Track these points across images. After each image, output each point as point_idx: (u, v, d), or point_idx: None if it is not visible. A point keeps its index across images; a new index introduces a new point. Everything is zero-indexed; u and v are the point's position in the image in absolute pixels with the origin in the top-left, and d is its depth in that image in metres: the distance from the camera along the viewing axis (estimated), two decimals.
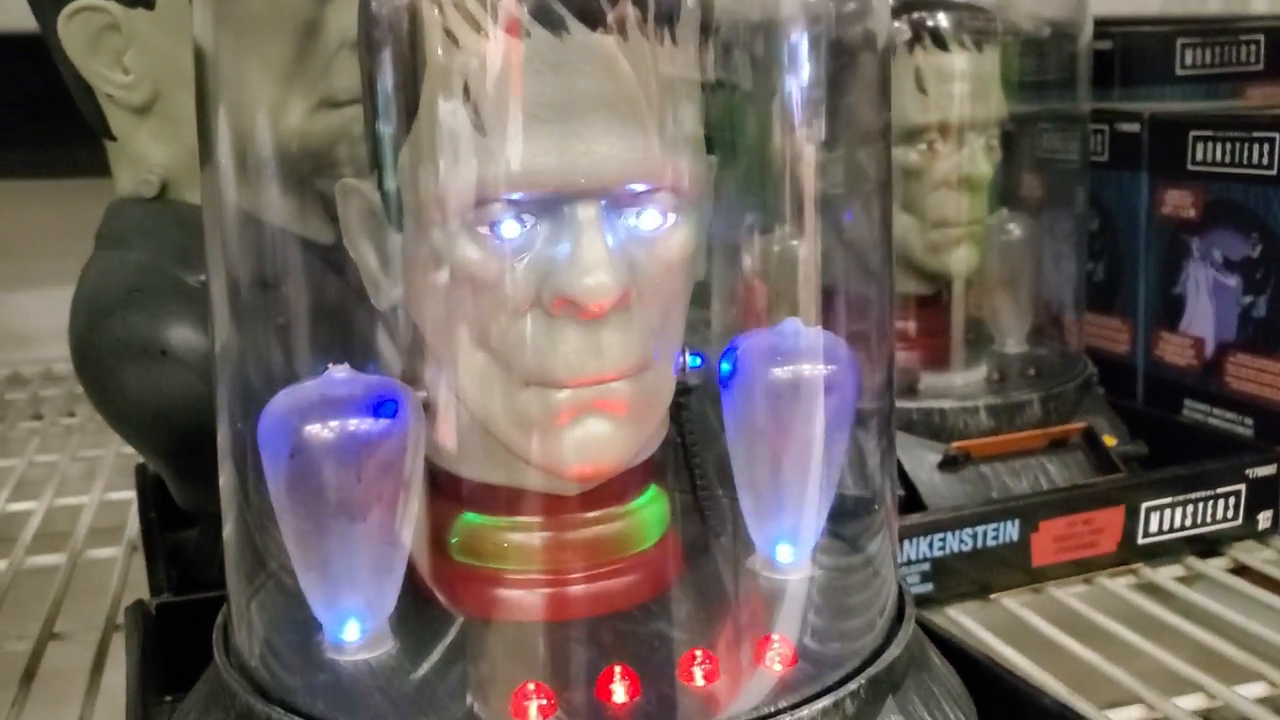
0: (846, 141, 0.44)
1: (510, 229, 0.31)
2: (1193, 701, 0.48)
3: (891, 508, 0.43)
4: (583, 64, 0.30)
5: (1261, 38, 0.85)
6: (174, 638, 0.44)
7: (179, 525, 0.56)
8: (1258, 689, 0.48)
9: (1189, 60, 0.83)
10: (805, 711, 0.31)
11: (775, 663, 0.34)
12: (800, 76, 0.38)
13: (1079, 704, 0.45)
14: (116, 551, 0.62)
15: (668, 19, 0.31)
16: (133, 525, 0.63)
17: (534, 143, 0.30)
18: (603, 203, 0.31)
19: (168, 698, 0.42)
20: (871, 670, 0.33)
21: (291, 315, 0.38)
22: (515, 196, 0.31)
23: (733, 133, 0.41)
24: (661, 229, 0.32)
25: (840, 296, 0.42)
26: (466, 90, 0.30)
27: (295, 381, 0.35)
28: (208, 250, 0.38)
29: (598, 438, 0.32)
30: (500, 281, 0.31)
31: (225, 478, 0.37)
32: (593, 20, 0.29)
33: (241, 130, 0.38)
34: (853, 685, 0.33)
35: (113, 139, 0.53)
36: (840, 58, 0.41)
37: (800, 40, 0.39)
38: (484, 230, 0.31)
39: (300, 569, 0.34)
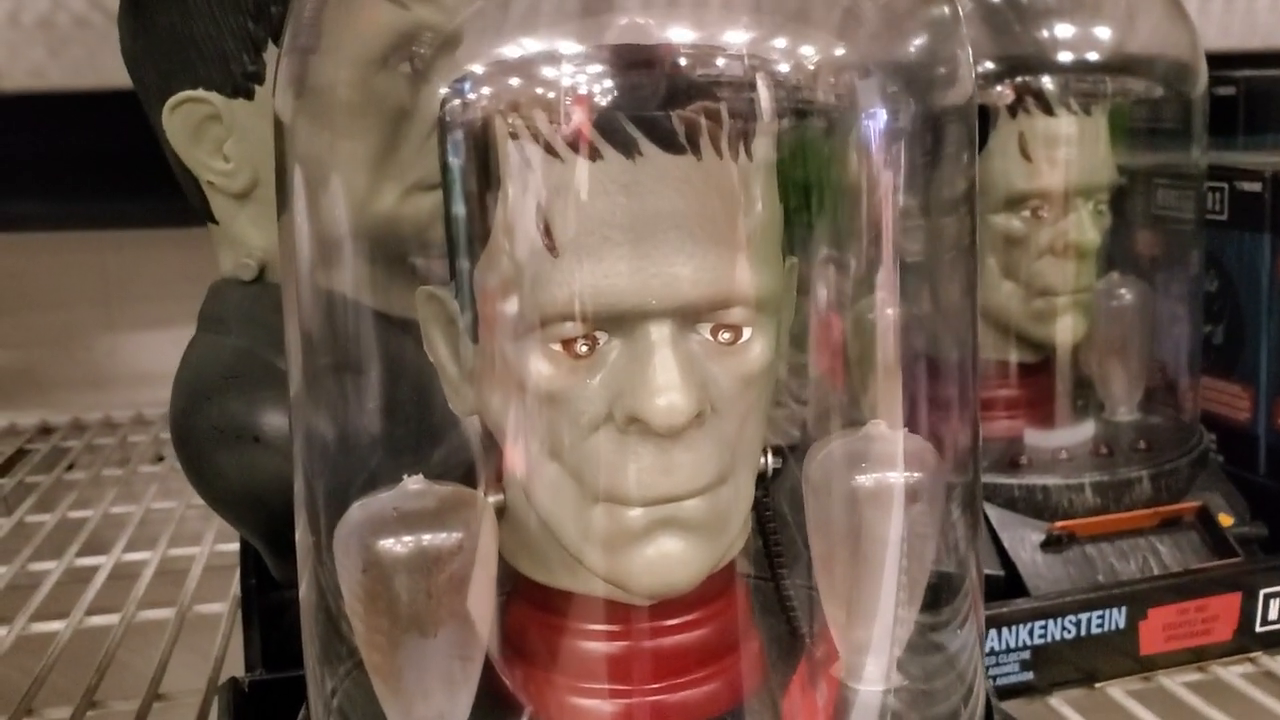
0: (929, 235, 0.42)
1: (582, 346, 0.31)
2: None
3: (978, 605, 0.41)
4: (655, 185, 0.29)
5: None
6: (265, 714, 0.44)
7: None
8: None
9: None
10: None
11: None
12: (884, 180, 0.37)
13: None
14: (223, 608, 0.62)
15: (743, 135, 0.31)
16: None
17: (606, 264, 0.30)
18: (676, 321, 0.31)
19: None
20: None
21: (370, 406, 0.38)
22: (587, 315, 0.31)
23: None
24: (737, 343, 0.32)
25: (922, 385, 0.40)
26: (539, 210, 0.30)
27: (371, 477, 0.34)
28: (289, 337, 0.38)
29: (669, 555, 0.32)
30: (572, 397, 0.31)
31: (305, 581, 0.37)
32: (666, 142, 0.29)
33: (331, 214, 0.38)
34: None
35: (215, 222, 0.53)
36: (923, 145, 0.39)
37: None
38: (556, 347, 0.30)
39: (374, 676, 0.33)
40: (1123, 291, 0.63)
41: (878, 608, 0.36)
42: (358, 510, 0.32)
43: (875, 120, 0.34)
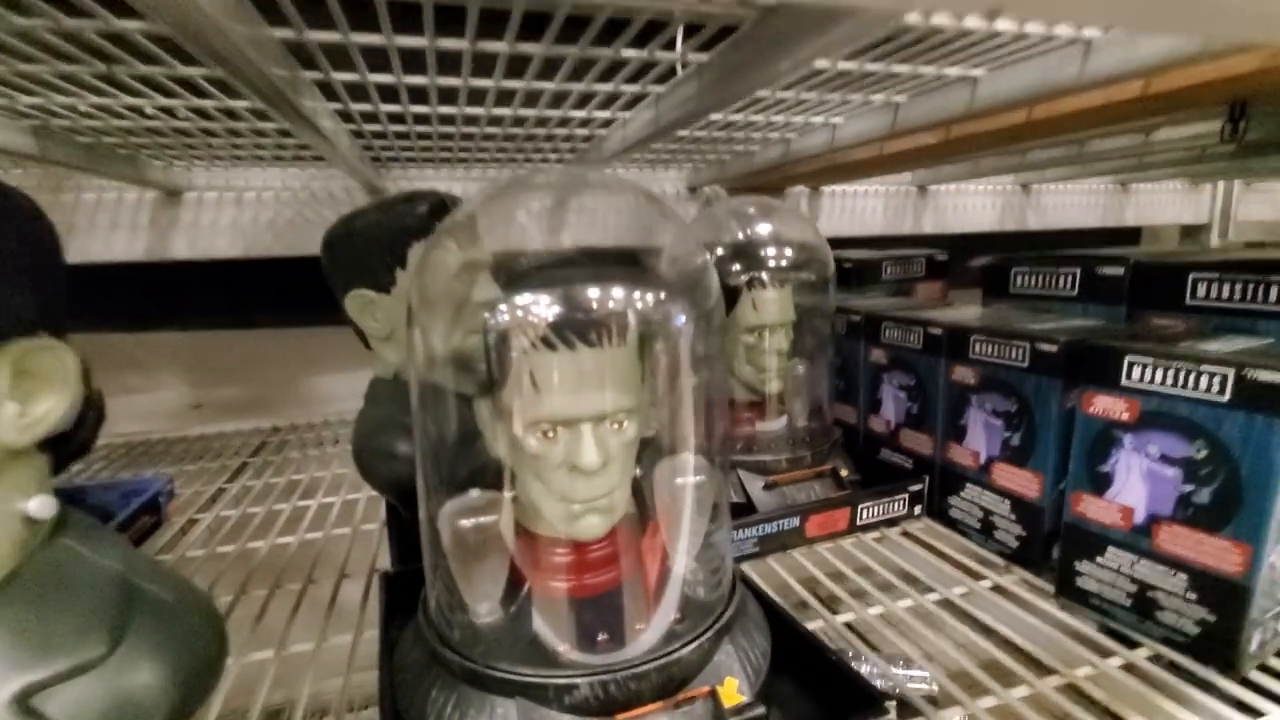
0: (705, 362, 0.37)
1: (550, 432, 0.30)
2: (882, 598, 0.46)
3: (727, 519, 0.38)
4: (582, 360, 0.29)
5: (924, 259, 0.81)
6: (402, 590, 0.41)
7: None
8: (905, 601, 0.46)
9: (889, 273, 0.79)
10: (684, 652, 0.31)
11: (673, 621, 0.33)
12: (680, 343, 0.34)
13: (811, 627, 0.42)
14: (375, 528, 0.60)
15: (622, 335, 0.30)
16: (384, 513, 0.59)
17: (559, 397, 0.30)
18: (593, 421, 0.30)
19: (399, 624, 0.39)
20: (716, 624, 0.33)
21: (455, 442, 0.35)
22: (552, 423, 0.30)
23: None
24: (622, 429, 0.31)
25: (702, 425, 0.36)
26: (529, 371, 0.30)
27: (452, 483, 0.33)
28: (414, 407, 0.35)
29: (592, 523, 0.31)
30: (546, 454, 0.30)
31: (423, 529, 0.34)
32: (586, 341, 0.29)
33: (430, 347, 0.35)
34: (709, 633, 0.32)
35: (369, 348, 0.51)
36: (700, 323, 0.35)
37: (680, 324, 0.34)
38: (537, 434, 0.30)
39: (456, 576, 0.33)
40: (799, 367, 0.63)
41: (684, 532, 0.35)
42: (450, 504, 0.32)
43: (678, 321, 0.33)
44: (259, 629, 0.44)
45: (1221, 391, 0.36)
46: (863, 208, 1.09)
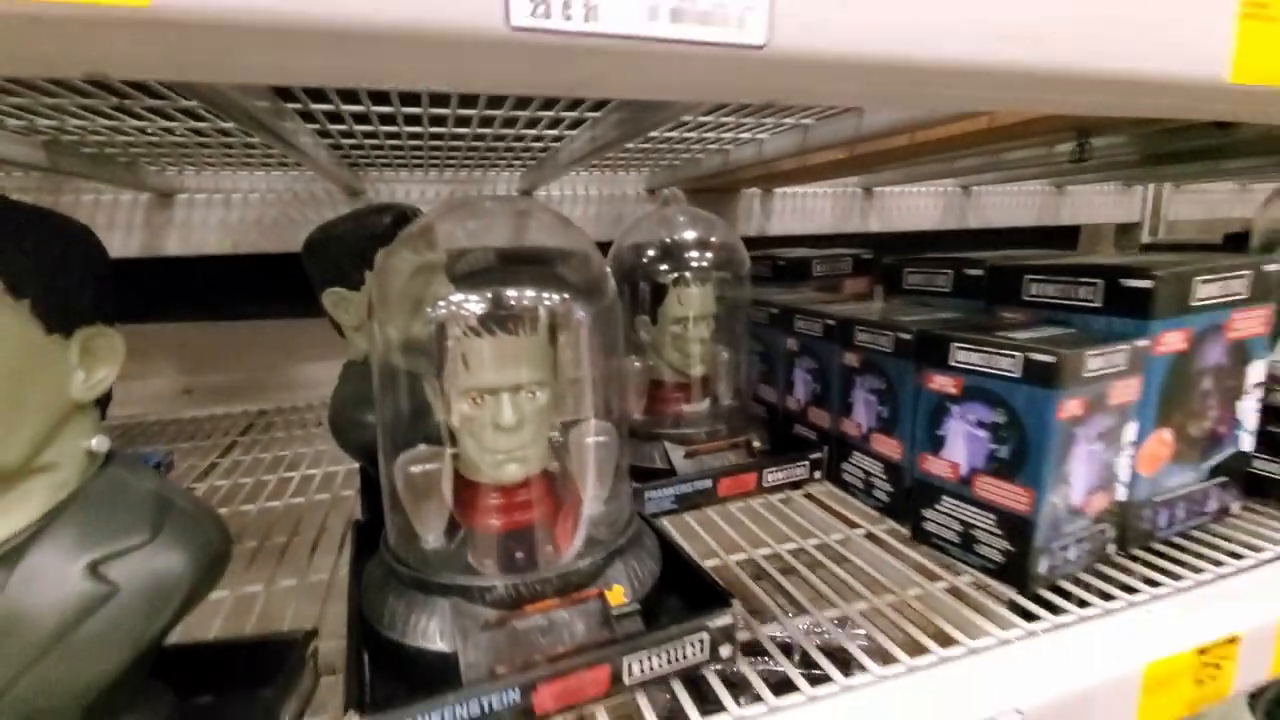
0: (604, 346, 0.42)
1: (480, 400, 0.37)
2: (772, 543, 0.53)
3: (627, 478, 0.44)
4: (504, 344, 0.36)
5: (851, 257, 0.86)
6: (369, 534, 0.46)
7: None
8: (789, 545, 0.54)
9: (818, 270, 0.84)
10: (584, 562, 0.39)
11: (580, 543, 0.40)
12: (583, 333, 0.40)
13: (699, 556, 0.46)
14: (351, 493, 0.65)
15: (534, 324, 0.37)
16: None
17: (484, 372, 0.36)
18: (511, 391, 0.37)
19: (368, 559, 0.43)
20: (610, 550, 0.40)
21: (407, 410, 0.40)
22: (479, 391, 0.37)
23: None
24: (535, 397, 0.37)
25: (603, 402, 0.43)
26: (462, 354, 0.36)
27: (408, 442, 0.39)
28: (375, 384, 0.40)
29: (512, 470, 0.38)
30: (476, 416, 0.37)
31: (384, 479, 0.40)
32: (506, 330, 0.36)
33: (388, 338, 0.40)
34: (602, 555, 0.39)
35: (343, 336, 0.56)
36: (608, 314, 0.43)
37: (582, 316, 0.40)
38: (469, 400, 0.37)
39: (412, 517, 0.39)
40: (723, 352, 0.67)
41: (589, 482, 0.41)
42: (403, 456, 0.39)
43: (582, 316, 0.39)
44: (250, 569, 0.52)
45: (1014, 370, 0.46)
46: (812, 207, 1.16)
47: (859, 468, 0.62)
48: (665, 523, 0.57)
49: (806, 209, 1.15)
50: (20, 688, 0.27)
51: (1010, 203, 1.37)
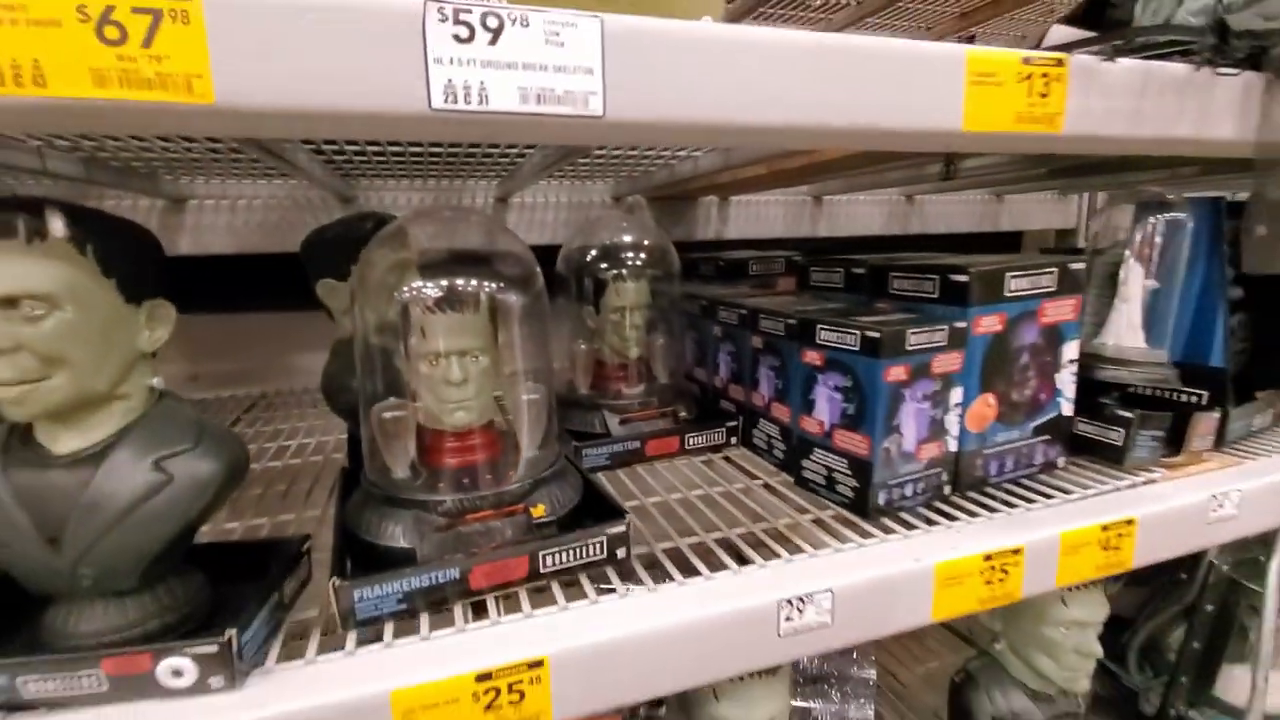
0: (534, 324, 0.50)
1: (435, 362, 0.45)
2: (685, 490, 0.63)
3: (555, 427, 0.52)
4: (453, 320, 0.45)
5: (784, 259, 0.94)
6: (352, 477, 0.54)
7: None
8: (699, 491, 0.64)
9: (753, 270, 0.92)
10: (515, 486, 0.49)
11: (519, 473, 0.50)
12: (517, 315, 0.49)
13: (630, 505, 0.57)
14: (341, 455, 0.71)
15: (476, 305, 0.46)
16: None
17: (439, 340, 0.46)
18: (460, 356, 0.46)
19: (351, 496, 0.51)
20: (538, 477, 0.50)
21: (381, 373, 0.48)
22: (434, 355, 0.46)
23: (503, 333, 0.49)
24: (478, 360, 0.46)
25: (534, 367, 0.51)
26: (420, 327, 0.45)
27: (381, 397, 0.48)
28: (357, 354, 0.49)
29: (460, 417, 0.46)
30: (433, 375, 0.46)
31: (363, 428, 0.50)
32: (456, 309, 0.45)
33: (367, 317, 0.48)
34: (529, 482, 0.49)
35: (333, 319, 0.63)
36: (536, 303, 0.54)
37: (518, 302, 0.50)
38: (427, 362, 0.46)
39: (387, 459, 0.49)
40: (658, 339, 0.76)
41: (524, 427, 0.50)
42: (377, 406, 0.49)
43: (514, 301, 0.48)
44: (256, 509, 0.63)
45: (855, 345, 0.58)
46: (765, 214, 1.24)
47: (764, 433, 0.73)
48: (600, 476, 0.67)
49: (760, 215, 1.22)
50: (100, 549, 0.39)
51: (953, 210, 1.46)
